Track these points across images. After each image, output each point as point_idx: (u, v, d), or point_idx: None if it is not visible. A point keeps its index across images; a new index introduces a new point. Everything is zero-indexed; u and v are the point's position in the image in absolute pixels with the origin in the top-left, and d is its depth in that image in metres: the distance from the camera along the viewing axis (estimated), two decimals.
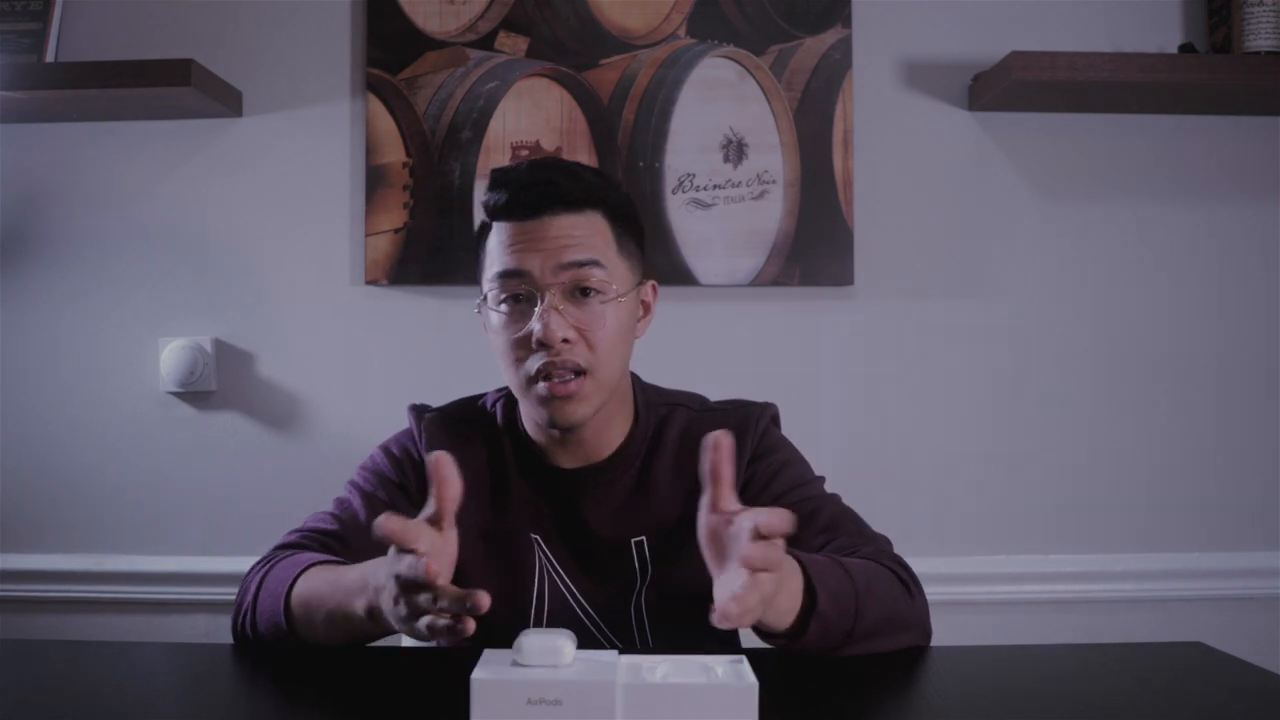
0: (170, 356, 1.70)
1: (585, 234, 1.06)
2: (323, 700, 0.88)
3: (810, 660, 0.92)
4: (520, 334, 1.05)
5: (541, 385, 1.05)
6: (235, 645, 1.03)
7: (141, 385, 1.72)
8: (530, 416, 1.13)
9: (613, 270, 1.07)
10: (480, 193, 1.68)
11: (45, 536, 1.71)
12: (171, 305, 1.72)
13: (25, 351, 1.72)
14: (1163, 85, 1.59)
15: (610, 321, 1.06)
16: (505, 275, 1.06)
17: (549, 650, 0.75)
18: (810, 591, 0.89)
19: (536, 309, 1.04)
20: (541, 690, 0.71)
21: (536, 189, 1.06)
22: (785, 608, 0.88)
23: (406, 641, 1.16)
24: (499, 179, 1.09)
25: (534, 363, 1.05)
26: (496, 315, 1.07)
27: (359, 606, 0.90)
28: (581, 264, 1.05)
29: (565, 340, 1.04)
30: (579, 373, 1.05)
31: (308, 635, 0.97)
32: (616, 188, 1.13)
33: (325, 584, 0.97)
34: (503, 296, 1.06)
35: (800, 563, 0.90)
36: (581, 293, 1.05)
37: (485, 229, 1.11)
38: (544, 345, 1.03)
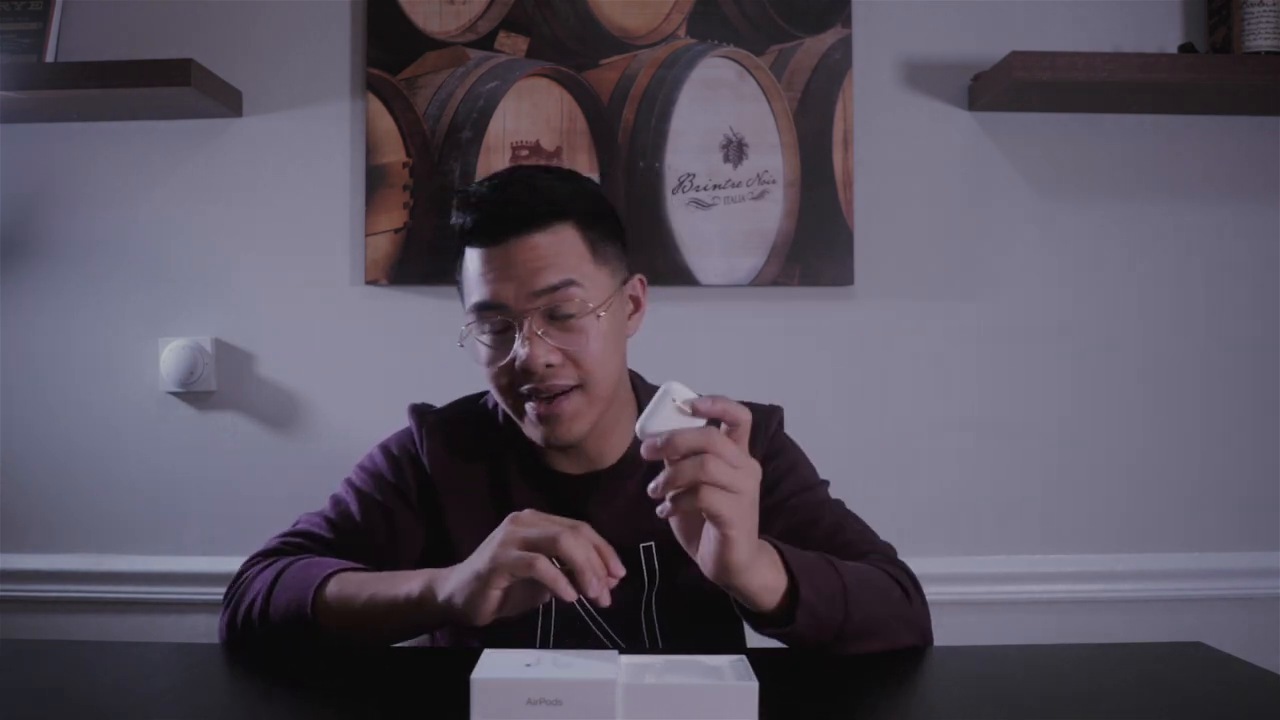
0: (170, 356, 1.70)
1: (555, 253, 1.03)
2: (323, 700, 0.88)
3: (810, 660, 0.92)
4: (504, 362, 1.04)
5: (530, 407, 1.05)
6: (227, 639, 1.03)
7: (141, 385, 1.72)
8: (529, 435, 1.12)
9: (590, 284, 1.05)
10: None
11: (45, 536, 1.71)
12: (171, 305, 1.72)
13: (25, 352, 1.72)
14: (1163, 85, 1.59)
15: (594, 337, 1.04)
16: (482, 308, 1.05)
17: None
18: (794, 582, 0.90)
19: (517, 336, 1.03)
20: (541, 690, 0.71)
21: (500, 211, 1.04)
22: (766, 580, 0.88)
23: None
24: (464, 201, 1.07)
25: (522, 388, 1.04)
26: (480, 346, 1.07)
27: (412, 589, 0.92)
28: (556, 287, 1.03)
29: (550, 365, 1.03)
30: (568, 390, 1.04)
31: (332, 627, 0.96)
32: (586, 192, 1.10)
33: (366, 578, 0.98)
34: (484, 328, 1.06)
35: (782, 554, 0.91)
36: (561, 314, 1.03)
37: (458, 251, 1.09)
38: (529, 373, 1.03)
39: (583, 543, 0.85)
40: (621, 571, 0.86)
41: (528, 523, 0.88)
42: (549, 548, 0.84)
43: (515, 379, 1.04)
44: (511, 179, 1.08)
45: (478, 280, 1.05)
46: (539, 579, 0.84)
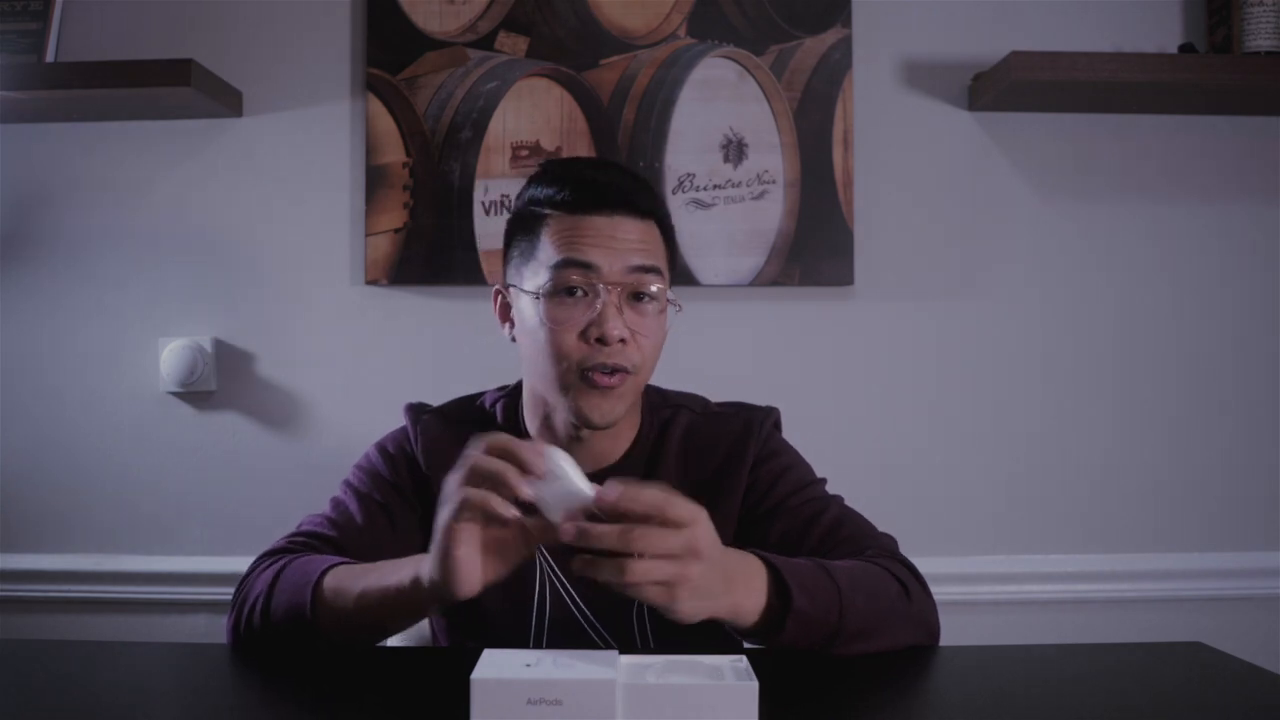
0: (170, 356, 1.70)
1: (648, 240, 1.08)
2: (323, 700, 0.88)
3: (810, 660, 0.92)
4: (581, 327, 1.04)
5: (588, 377, 1.05)
6: (232, 641, 1.03)
7: (141, 385, 1.72)
8: (559, 411, 1.10)
9: (665, 279, 1.10)
10: (481, 192, 1.68)
11: (45, 536, 1.71)
12: (171, 305, 1.72)
13: (25, 352, 1.72)
14: (1163, 85, 1.59)
15: (658, 328, 1.09)
16: (571, 265, 1.05)
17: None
18: (785, 591, 0.90)
19: (598, 303, 1.04)
20: (541, 690, 0.71)
21: (612, 189, 1.07)
22: (748, 606, 0.89)
23: (398, 640, 1.16)
24: (563, 173, 1.09)
25: (587, 357, 1.04)
26: (549, 304, 1.06)
27: (404, 576, 0.91)
28: (648, 269, 1.07)
29: (622, 340, 1.05)
30: (621, 370, 1.05)
31: (330, 623, 0.96)
32: (664, 202, 1.16)
33: (361, 570, 0.98)
34: (562, 286, 1.05)
35: (772, 564, 0.91)
36: (638, 297, 1.07)
37: (535, 218, 1.09)
38: (602, 341, 1.04)
39: (486, 461, 0.82)
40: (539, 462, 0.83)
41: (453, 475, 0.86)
42: (472, 480, 0.83)
43: (579, 346, 1.05)
44: (611, 164, 1.14)
45: (572, 242, 1.06)
46: (474, 505, 0.82)
